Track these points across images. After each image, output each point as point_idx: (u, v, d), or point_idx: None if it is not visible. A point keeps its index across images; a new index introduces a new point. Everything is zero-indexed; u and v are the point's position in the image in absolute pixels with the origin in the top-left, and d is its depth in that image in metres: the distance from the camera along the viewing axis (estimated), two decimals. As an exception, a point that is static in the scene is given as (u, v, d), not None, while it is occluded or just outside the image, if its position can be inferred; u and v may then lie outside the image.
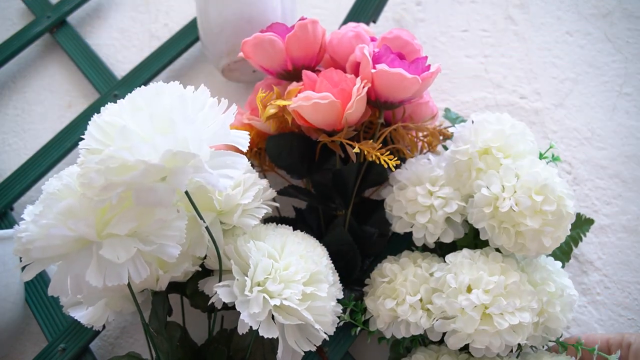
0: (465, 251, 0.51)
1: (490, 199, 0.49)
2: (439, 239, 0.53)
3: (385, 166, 0.51)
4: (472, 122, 0.53)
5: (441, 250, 0.57)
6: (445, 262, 0.52)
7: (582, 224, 0.62)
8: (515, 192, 0.48)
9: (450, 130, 0.54)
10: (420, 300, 0.50)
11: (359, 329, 0.55)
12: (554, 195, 0.47)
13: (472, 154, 0.50)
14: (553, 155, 0.57)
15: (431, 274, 0.51)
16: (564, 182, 0.49)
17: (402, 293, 0.51)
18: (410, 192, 0.54)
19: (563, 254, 0.60)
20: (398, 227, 0.56)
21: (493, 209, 0.49)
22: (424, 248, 0.57)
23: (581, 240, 0.62)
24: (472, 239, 0.56)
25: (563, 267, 0.57)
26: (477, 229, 0.52)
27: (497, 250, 0.52)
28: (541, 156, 0.56)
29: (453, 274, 0.49)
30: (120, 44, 0.86)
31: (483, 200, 0.49)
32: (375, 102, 0.53)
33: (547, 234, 0.48)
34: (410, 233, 0.55)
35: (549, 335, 0.51)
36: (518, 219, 0.47)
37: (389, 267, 0.54)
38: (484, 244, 0.52)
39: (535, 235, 0.48)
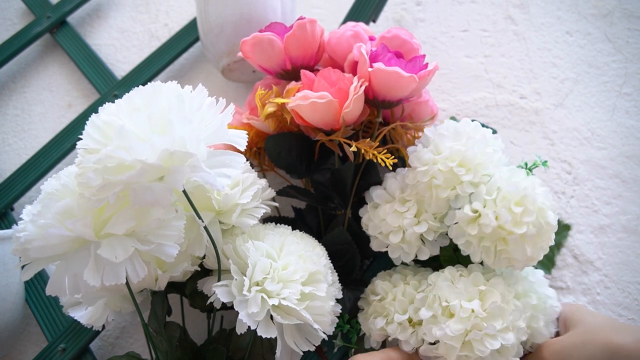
0: (447, 272, 0.50)
1: (473, 217, 0.48)
2: (416, 256, 0.53)
3: (383, 165, 0.51)
4: (429, 137, 0.52)
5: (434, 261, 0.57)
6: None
7: (560, 230, 0.62)
8: (496, 205, 0.47)
9: (410, 149, 0.54)
10: (410, 319, 0.50)
11: (353, 350, 0.55)
12: (534, 206, 0.46)
13: (432, 174, 0.49)
14: (540, 161, 0.56)
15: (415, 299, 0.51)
16: (546, 193, 0.48)
17: (392, 312, 0.50)
18: (382, 212, 0.53)
19: (548, 260, 0.60)
20: (375, 246, 0.55)
21: (477, 228, 0.48)
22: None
23: (562, 246, 0.62)
24: (454, 254, 0.55)
25: (549, 272, 0.57)
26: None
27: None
28: (529, 167, 0.56)
29: (432, 298, 0.48)
30: (120, 44, 0.86)
31: (465, 219, 0.48)
32: (373, 101, 0.53)
33: (529, 240, 0.47)
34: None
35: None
36: (499, 232, 0.47)
37: (380, 284, 0.54)
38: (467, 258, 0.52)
39: (518, 243, 0.47)
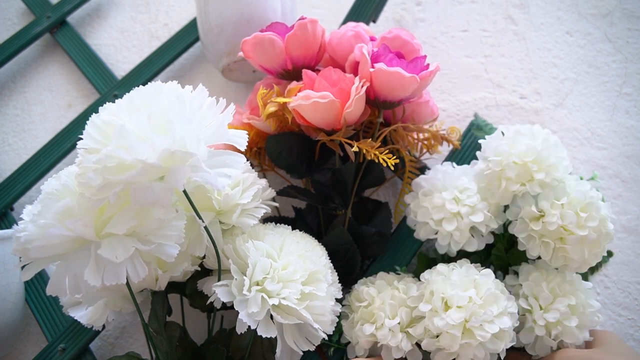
0: (439, 267, 0.51)
1: (538, 215, 0.50)
2: (462, 248, 0.53)
3: (384, 165, 0.51)
4: (502, 133, 0.53)
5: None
6: (420, 280, 0.52)
7: None
8: (562, 207, 0.48)
9: (482, 141, 0.55)
10: (399, 323, 0.50)
11: (332, 349, 0.55)
12: (598, 214, 0.48)
13: (505, 166, 0.50)
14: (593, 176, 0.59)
15: (410, 297, 0.51)
16: (608, 206, 0.50)
17: (381, 317, 0.50)
18: (437, 199, 0.54)
19: (590, 268, 0.61)
20: (422, 234, 0.55)
21: (541, 225, 0.49)
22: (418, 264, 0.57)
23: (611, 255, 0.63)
24: (505, 254, 0.56)
25: (587, 279, 0.59)
26: (510, 242, 0.53)
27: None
28: (590, 178, 0.58)
29: (429, 293, 0.49)
30: (120, 44, 0.86)
31: (530, 216, 0.50)
32: (374, 102, 0.53)
33: (588, 243, 0.48)
34: (412, 235, 0.56)
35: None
36: (562, 232, 0.48)
37: (365, 290, 0.53)
38: (519, 256, 0.53)
39: (577, 244, 0.48)
